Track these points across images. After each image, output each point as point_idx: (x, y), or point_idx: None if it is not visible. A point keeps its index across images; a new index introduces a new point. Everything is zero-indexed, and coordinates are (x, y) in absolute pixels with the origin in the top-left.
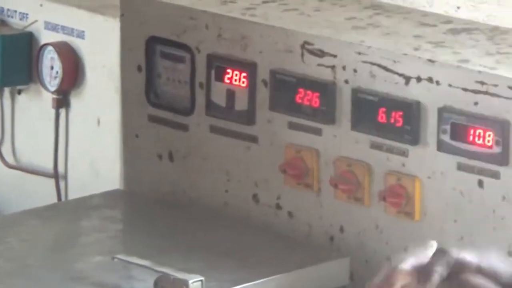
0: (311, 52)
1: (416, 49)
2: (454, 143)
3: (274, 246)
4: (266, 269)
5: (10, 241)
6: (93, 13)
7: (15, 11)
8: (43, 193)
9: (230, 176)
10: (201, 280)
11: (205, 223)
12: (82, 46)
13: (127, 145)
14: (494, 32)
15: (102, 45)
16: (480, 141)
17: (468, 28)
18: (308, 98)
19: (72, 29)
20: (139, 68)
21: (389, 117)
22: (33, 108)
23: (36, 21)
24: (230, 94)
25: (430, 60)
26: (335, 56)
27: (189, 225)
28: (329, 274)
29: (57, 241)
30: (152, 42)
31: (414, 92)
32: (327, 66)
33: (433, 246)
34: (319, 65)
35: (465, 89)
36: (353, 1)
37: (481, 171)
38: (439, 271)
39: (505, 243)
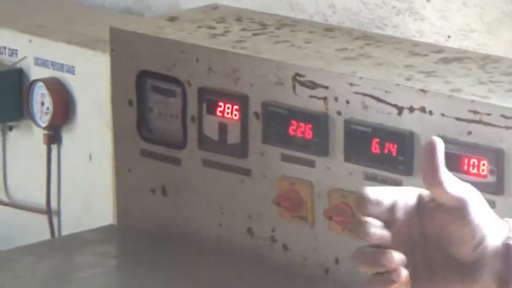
0: (303, 84)
1: (408, 79)
2: None
3: (269, 279)
4: None
5: (4, 279)
6: (83, 48)
7: (5, 47)
8: (36, 229)
9: (223, 210)
10: None
11: (200, 258)
12: (73, 82)
13: (120, 180)
14: (485, 61)
15: (93, 80)
16: (475, 171)
17: (459, 57)
18: (300, 130)
19: (62, 64)
20: (130, 103)
21: (383, 148)
22: (24, 144)
23: (25, 57)
24: (222, 127)
25: (422, 90)
26: (327, 87)
27: (183, 260)
28: None
29: (52, 278)
30: (143, 76)
31: (407, 122)
32: (319, 98)
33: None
34: (311, 96)
35: (458, 119)
36: (344, 32)
37: None
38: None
39: None
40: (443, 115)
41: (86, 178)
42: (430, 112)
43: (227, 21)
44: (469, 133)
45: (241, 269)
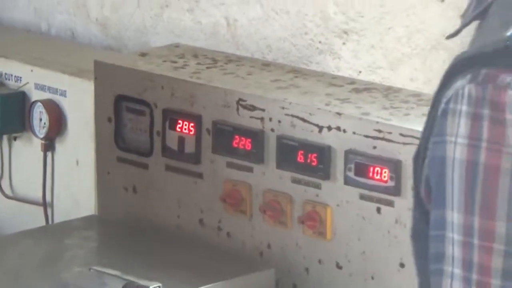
0: (245, 107)
1: (327, 104)
2: (357, 178)
3: (216, 260)
4: (210, 277)
5: (8, 256)
6: (73, 77)
7: (11, 75)
8: (34, 218)
9: (181, 205)
10: (159, 286)
11: (162, 242)
12: (65, 103)
13: (100, 180)
14: (388, 91)
15: (80, 102)
16: (378, 177)
17: (368, 88)
18: (242, 143)
19: (57, 89)
20: (109, 120)
21: (306, 158)
22: (26, 151)
23: (27, 83)
24: (181, 140)
25: (338, 113)
26: (263, 110)
27: (149, 243)
28: (259, 282)
29: (45, 256)
30: (120, 99)
31: (326, 138)
32: (257, 118)
33: None
34: (251, 117)
35: (366, 136)
36: (278, 67)
37: (379, 200)
38: None
39: (397, 256)
40: (354, 133)
41: (74, 178)
42: (344, 131)
43: (186, 57)
44: (374, 147)
45: (194, 251)
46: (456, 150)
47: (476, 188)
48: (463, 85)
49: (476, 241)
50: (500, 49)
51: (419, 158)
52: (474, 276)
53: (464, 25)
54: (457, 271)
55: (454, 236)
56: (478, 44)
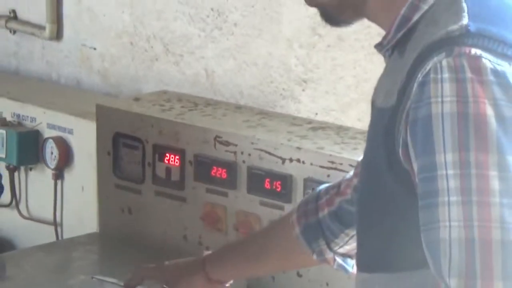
0: (221, 142)
1: (289, 140)
2: None
3: None
4: None
5: (24, 266)
6: (79, 118)
7: (27, 116)
8: (46, 235)
9: (168, 224)
10: None
11: (152, 254)
12: (72, 139)
13: (101, 204)
14: (339, 129)
15: (85, 138)
16: None
17: (323, 127)
18: (219, 172)
19: (65, 128)
20: (109, 153)
21: (272, 185)
22: (39, 180)
23: (41, 123)
24: (168, 170)
25: (298, 148)
26: (236, 145)
27: (142, 255)
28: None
29: (55, 266)
30: (117, 136)
31: (288, 168)
32: (231, 152)
33: None
34: (226, 151)
35: (321, 166)
36: (248, 110)
37: None
38: None
39: None
40: (311, 164)
41: (80, 202)
42: (303, 162)
43: (172, 101)
44: (328, 175)
45: None
46: (444, 107)
47: (469, 131)
48: (439, 60)
49: (473, 171)
50: (464, 33)
51: (386, 135)
52: (474, 198)
53: (388, 44)
54: (454, 198)
55: (448, 172)
56: (433, 37)
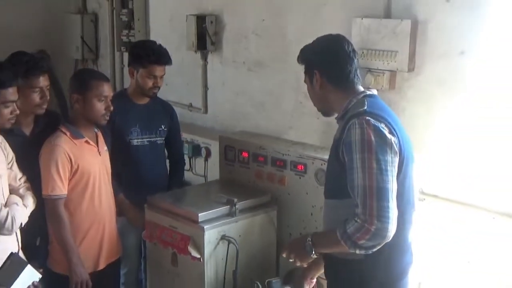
0: None
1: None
2: None
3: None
4: None
5: None
6: None
7: None
8: None
9: None
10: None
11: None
12: None
13: None
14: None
15: None
16: None
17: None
18: None
19: None
20: None
21: None
22: None
23: None
24: None
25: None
26: None
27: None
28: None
29: None
30: None
31: None
32: None
33: None
34: None
35: None
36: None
37: None
38: None
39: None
40: None
41: None
42: None
43: None
44: None
45: None
46: (356, 137)
47: (364, 145)
48: (354, 121)
49: (366, 161)
50: (364, 112)
51: (337, 150)
52: (366, 170)
53: (339, 117)
54: (360, 170)
55: (357, 161)
56: (353, 113)
